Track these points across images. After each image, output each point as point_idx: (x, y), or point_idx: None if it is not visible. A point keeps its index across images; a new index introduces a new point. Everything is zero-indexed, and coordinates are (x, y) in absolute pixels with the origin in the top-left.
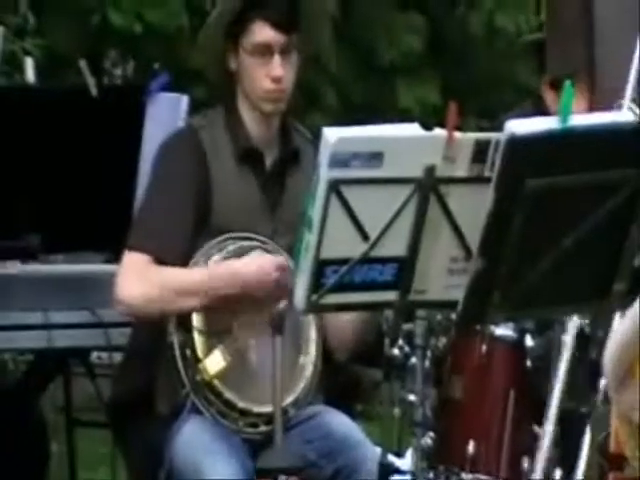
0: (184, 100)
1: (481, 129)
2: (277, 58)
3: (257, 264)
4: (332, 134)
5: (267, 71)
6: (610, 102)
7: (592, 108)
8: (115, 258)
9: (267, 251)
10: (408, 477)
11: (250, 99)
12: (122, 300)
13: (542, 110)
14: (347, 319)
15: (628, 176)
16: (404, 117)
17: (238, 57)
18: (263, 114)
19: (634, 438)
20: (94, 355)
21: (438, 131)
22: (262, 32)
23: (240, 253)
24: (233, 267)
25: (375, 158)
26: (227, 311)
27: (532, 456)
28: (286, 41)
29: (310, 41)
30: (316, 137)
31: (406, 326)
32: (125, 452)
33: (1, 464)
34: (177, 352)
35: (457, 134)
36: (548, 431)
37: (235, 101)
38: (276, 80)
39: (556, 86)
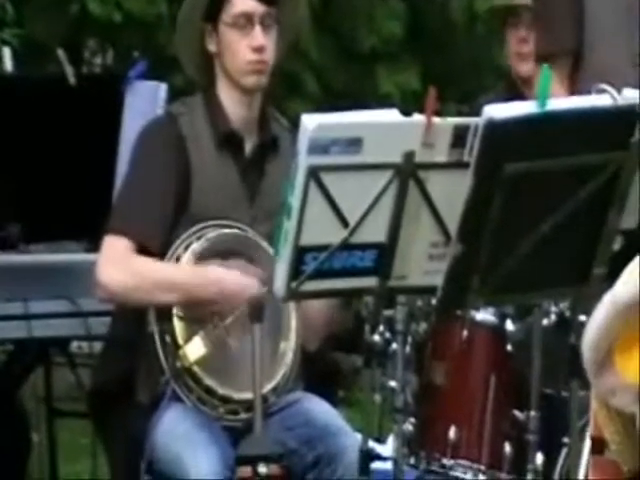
0: (163, 88)
1: (461, 114)
2: (258, 28)
3: (240, 280)
4: (311, 121)
5: (248, 41)
6: (596, 83)
7: (577, 89)
8: (95, 247)
9: (246, 240)
10: (389, 463)
11: (231, 76)
12: (102, 285)
13: (517, 93)
14: (317, 308)
15: (606, 160)
16: (384, 103)
17: (218, 36)
18: (244, 92)
19: (612, 422)
20: (74, 345)
21: (417, 117)
22: (242, 2)
23: (221, 243)
24: (217, 275)
25: (354, 144)
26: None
27: (513, 441)
28: (266, 12)
29: (289, 18)
30: (295, 126)
31: (386, 312)
32: (106, 442)
33: None
34: (157, 339)
35: (436, 119)
36: (532, 416)
37: (214, 85)
38: (258, 50)
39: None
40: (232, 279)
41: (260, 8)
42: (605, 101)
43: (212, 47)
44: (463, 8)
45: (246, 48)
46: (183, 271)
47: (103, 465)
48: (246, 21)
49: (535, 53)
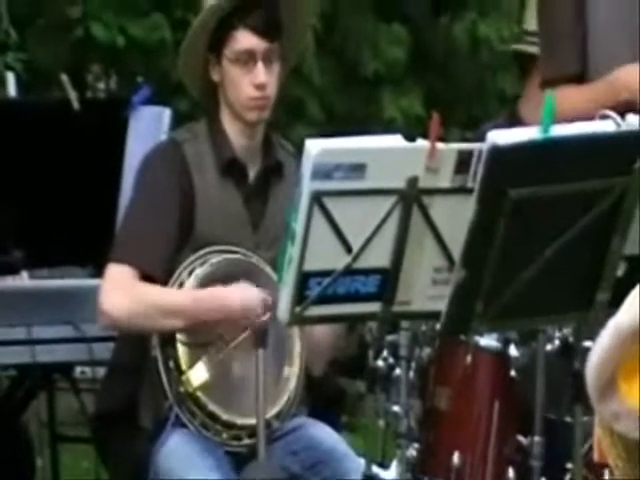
0: (167, 113)
1: (466, 140)
2: (260, 65)
3: (243, 298)
4: (314, 146)
5: (251, 79)
6: None
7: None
8: (98, 272)
9: (249, 265)
10: None
11: (234, 109)
12: (105, 312)
13: (518, 119)
14: (322, 334)
15: (610, 185)
16: (387, 128)
17: (221, 68)
18: (247, 124)
19: (615, 448)
20: (78, 370)
21: (421, 142)
22: (245, 39)
23: (224, 268)
24: (219, 295)
25: (358, 169)
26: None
27: (517, 466)
28: (269, 48)
29: (292, 51)
30: (299, 151)
31: (390, 337)
32: (109, 466)
33: None
34: (160, 364)
35: (439, 145)
36: (536, 441)
37: (218, 113)
38: (260, 87)
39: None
40: (232, 300)
41: (263, 45)
42: (608, 127)
43: (216, 77)
44: (466, 33)
45: (248, 85)
46: (184, 296)
47: None
48: (248, 58)
49: (540, 79)
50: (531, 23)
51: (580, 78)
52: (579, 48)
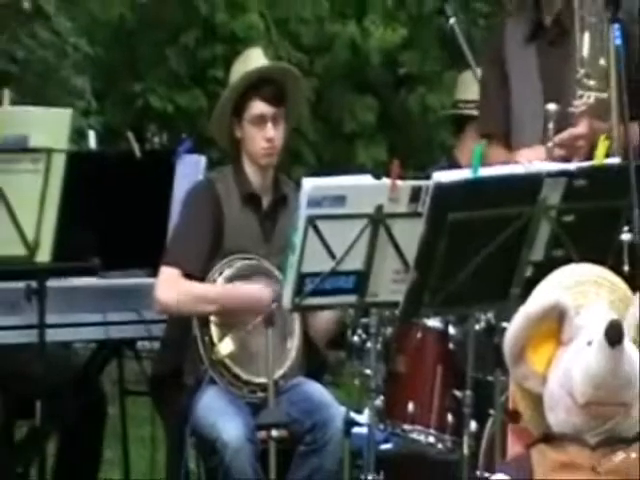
0: (203, 160)
1: (417, 178)
2: (270, 125)
3: (257, 294)
4: (309, 183)
5: (263, 135)
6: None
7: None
8: (153, 273)
9: (263, 268)
10: (365, 429)
11: (251, 156)
12: (159, 301)
13: (455, 163)
14: (323, 321)
15: (520, 212)
16: (361, 170)
17: (242, 127)
18: (261, 167)
19: (524, 400)
20: (139, 344)
21: (385, 180)
22: (258, 107)
23: (245, 270)
24: (241, 290)
25: (340, 200)
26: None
27: (454, 413)
28: (276, 113)
29: (293, 115)
30: (298, 186)
31: (363, 320)
32: (162, 413)
33: (73, 422)
34: (199, 339)
35: (399, 182)
36: (468, 395)
37: (240, 159)
38: (269, 140)
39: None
40: (250, 295)
41: (271, 110)
42: (519, 169)
43: (238, 134)
44: (417, 102)
45: (261, 139)
46: (216, 290)
47: (160, 430)
48: (261, 120)
49: (478, 131)
50: (462, 94)
51: (506, 133)
52: (504, 111)
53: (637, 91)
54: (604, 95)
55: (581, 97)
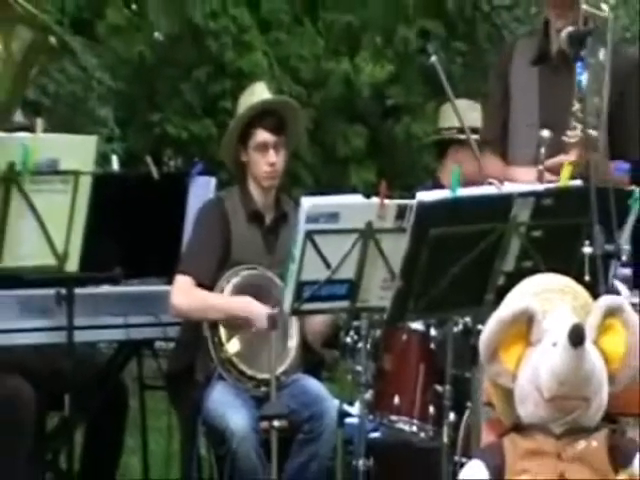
0: (213, 181)
1: (403, 198)
2: (272, 151)
3: (256, 311)
4: (307, 201)
5: (266, 160)
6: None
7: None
8: (169, 281)
9: (266, 277)
10: (356, 419)
11: (255, 178)
12: (174, 306)
13: (438, 184)
14: (319, 324)
15: (494, 227)
16: (353, 191)
17: (247, 153)
18: (264, 189)
19: (497, 393)
20: (157, 343)
21: (374, 199)
22: (261, 136)
23: (250, 279)
24: (243, 304)
25: (334, 216)
26: None
27: (435, 405)
28: (277, 140)
29: (293, 142)
30: (297, 204)
31: (355, 323)
32: (176, 406)
33: (98, 414)
34: (209, 340)
35: (386, 201)
36: (447, 389)
37: (246, 181)
38: (271, 165)
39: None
40: (252, 309)
41: (273, 138)
42: (493, 190)
43: (244, 158)
44: (403, 130)
45: (264, 163)
46: (225, 299)
47: (175, 421)
48: (264, 147)
49: (480, 137)
50: (443, 122)
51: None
52: (501, 127)
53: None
54: (594, 132)
55: (574, 129)
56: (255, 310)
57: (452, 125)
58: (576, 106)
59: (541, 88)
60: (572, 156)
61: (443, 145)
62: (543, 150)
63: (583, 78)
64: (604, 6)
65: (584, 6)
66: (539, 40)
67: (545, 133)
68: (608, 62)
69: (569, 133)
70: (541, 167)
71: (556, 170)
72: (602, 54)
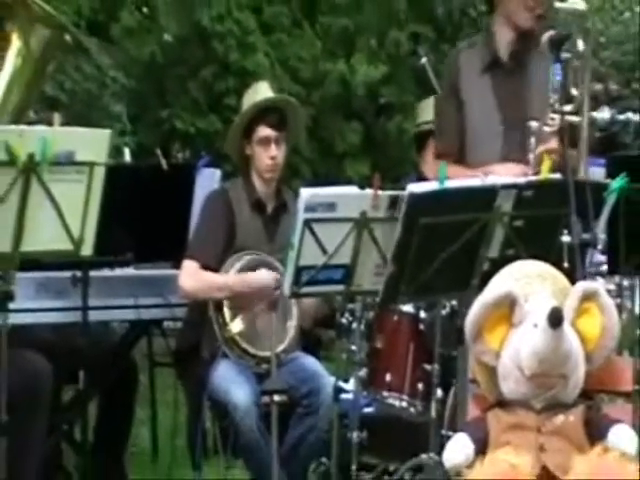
0: (218, 173)
1: (394, 189)
2: (273, 146)
3: (264, 281)
4: (306, 192)
5: (267, 154)
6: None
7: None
8: (177, 265)
9: (267, 262)
10: (351, 395)
11: (258, 171)
12: (181, 288)
13: (421, 177)
14: (310, 305)
15: (479, 217)
16: (348, 182)
17: (251, 147)
18: (266, 180)
19: (481, 371)
20: (165, 323)
21: (368, 190)
22: (264, 131)
23: (252, 263)
24: (247, 279)
25: (331, 206)
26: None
27: (424, 382)
28: (278, 135)
29: (293, 137)
30: (296, 195)
31: (350, 305)
32: (183, 381)
33: (110, 388)
34: (214, 319)
35: (379, 192)
36: (435, 368)
37: (249, 173)
38: (273, 158)
39: (439, 157)
40: (260, 278)
41: (274, 133)
42: (477, 182)
43: (248, 152)
44: (396, 127)
45: (266, 157)
46: (227, 279)
47: (182, 395)
48: (266, 142)
49: (434, 153)
50: (421, 117)
51: (459, 153)
52: (457, 134)
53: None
54: (575, 119)
55: (552, 119)
56: (262, 280)
57: (429, 119)
58: (553, 97)
59: (496, 92)
60: (553, 143)
61: (422, 138)
62: (533, 140)
63: (558, 79)
64: (580, 1)
65: (560, 4)
66: (486, 49)
67: (533, 124)
68: (589, 52)
69: (549, 122)
70: (531, 156)
71: (539, 160)
72: (580, 45)
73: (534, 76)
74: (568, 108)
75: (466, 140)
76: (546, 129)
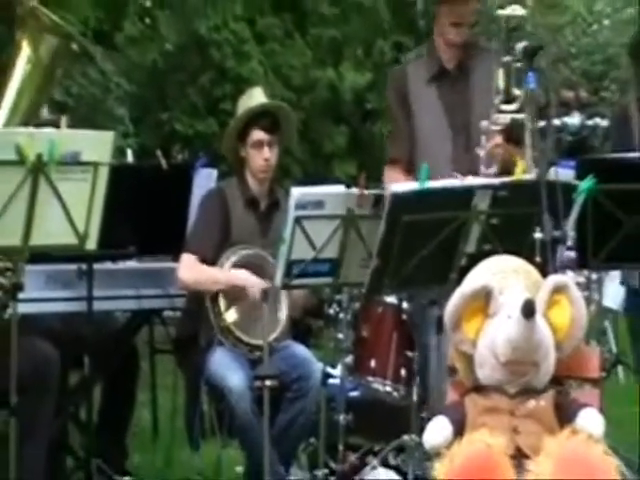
0: (214, 173)
1: (378, 188)
2: (266, 148)
3: (251, 282)
4: (297, 191)
5: (261, 155)
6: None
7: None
8: (176, 258)
9: (261, 256)
10: (338, 380)
11: (252, 171)
12: (180, 280)
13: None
14: (298, 295)
15: (458, 215)
16: (336, 182)
17: (245, 149)
18: (259, 180)
19: (460, 358)
20: (165, 313)
21: (354, 189)
22: (257, 135)
23: (246, 257)
24: (242, 275)
25: (320, 204)
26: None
27: (406, 368)
28: (271, 138)
29: (285, 139)
30: (288, 193)
31: (337, 296)
32: (182, 368)
33: (113, 374)
34: (210, 310)
35: (365, 191)
36: (416, 355)
37: (244, 173)
38: (266, 160)
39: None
40: (249, 278)
41: (267, 137)
42: (456, 182)
43: (243, 153)
44: (379, 131)
45: (260, 159)
46: (224, 272)
47: (181, 380)
48: (260, 144)
49: (387, 159)
50: None
51: (409, 159)
52: (407, 141)
53: None
54: (520, 116)
55: (497, 119)
56: (250, 279)
57: None
58: (497, 99)
59: (443, 100)
60: (498, 139)
61: None
62: (484, 138)
63: (532, 86)
64: (518, 7)
65: (502, 11)
66: (432, 60)
67: (484, 123)
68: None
69: (496, 122)
70: (483, 152)
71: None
72: (518, 48)
73: (477, 81)
74: (511, 107)
75: (418, 146)
76: (492, 127)
